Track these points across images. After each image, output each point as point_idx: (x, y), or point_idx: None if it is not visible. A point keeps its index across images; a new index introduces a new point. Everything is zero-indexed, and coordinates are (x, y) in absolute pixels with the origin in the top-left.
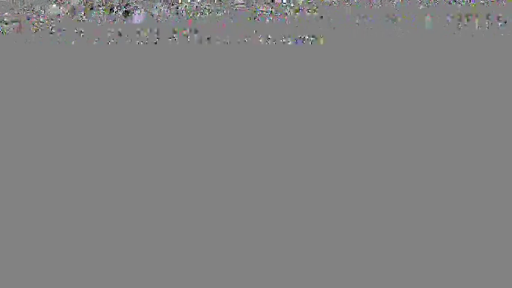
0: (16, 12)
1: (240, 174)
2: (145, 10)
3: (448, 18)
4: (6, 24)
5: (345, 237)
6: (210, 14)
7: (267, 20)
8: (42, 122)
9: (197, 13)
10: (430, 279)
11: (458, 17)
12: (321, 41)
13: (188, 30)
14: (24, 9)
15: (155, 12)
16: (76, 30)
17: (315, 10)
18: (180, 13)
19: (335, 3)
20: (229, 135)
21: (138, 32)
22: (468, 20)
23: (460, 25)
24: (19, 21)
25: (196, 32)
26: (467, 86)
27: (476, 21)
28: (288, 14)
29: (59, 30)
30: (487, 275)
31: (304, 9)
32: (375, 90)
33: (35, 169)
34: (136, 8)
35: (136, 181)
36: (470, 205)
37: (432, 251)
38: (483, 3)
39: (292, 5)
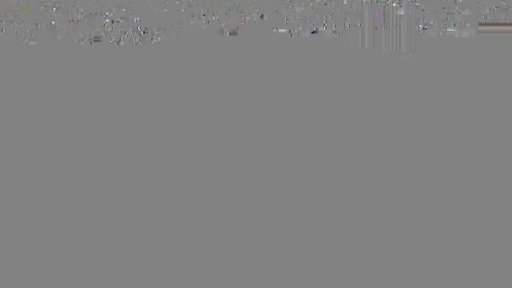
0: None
1: (241, 168)
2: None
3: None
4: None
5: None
6: None
7: None
8: (42, 121)
9: None
10: (430, 279)
11: None
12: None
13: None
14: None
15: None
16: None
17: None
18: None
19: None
20: (229, 137)
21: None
22: None
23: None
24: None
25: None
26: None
27: None
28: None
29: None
30: (486, 275)
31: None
32: (374, 89)
33: (36, 167)
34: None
35: (143, 177)
36: (468, 205)
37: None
38: None
39: None
